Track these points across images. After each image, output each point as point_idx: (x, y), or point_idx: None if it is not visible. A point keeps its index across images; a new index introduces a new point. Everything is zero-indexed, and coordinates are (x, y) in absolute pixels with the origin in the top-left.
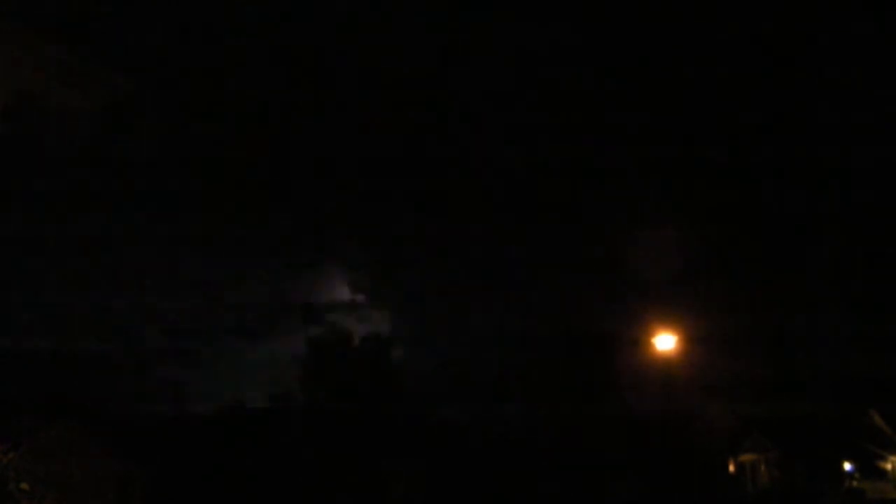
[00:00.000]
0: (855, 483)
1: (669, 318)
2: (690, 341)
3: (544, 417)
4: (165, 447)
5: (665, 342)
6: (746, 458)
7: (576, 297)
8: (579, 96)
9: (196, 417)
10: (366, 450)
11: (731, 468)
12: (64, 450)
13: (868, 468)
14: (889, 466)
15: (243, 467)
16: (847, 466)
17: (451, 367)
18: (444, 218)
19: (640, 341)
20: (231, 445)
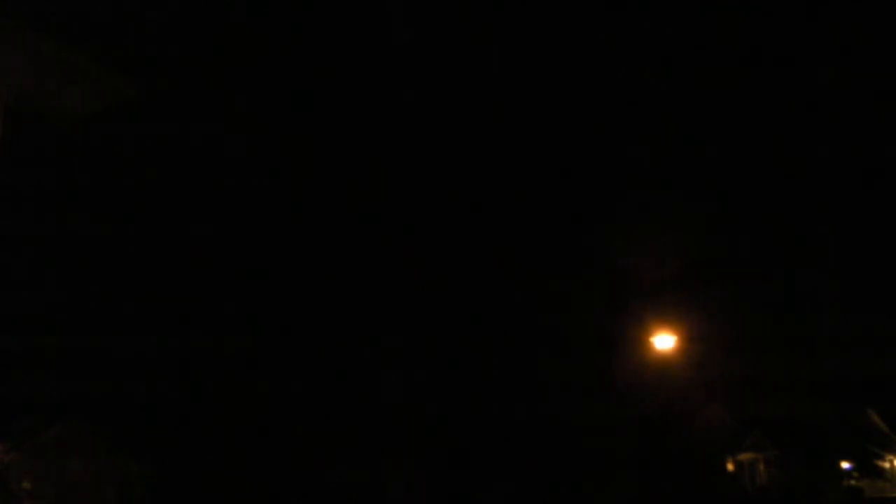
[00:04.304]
0: (853, 482)
1: (669, 318)
2: (690, 341)
3: (543, 417)
4: (165, 446)
5: (664, 342)
6: (745, 457)
7: (575, 297)
8: (579, 96)
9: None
10: (366, 449)
11: (731, 467)
12: (65, 449)
13: (866, 467)
14: (887, 465)
15: (243, 466)
16: (845, 465)
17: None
18: (442, 222)
19: (639, 341)
20: None
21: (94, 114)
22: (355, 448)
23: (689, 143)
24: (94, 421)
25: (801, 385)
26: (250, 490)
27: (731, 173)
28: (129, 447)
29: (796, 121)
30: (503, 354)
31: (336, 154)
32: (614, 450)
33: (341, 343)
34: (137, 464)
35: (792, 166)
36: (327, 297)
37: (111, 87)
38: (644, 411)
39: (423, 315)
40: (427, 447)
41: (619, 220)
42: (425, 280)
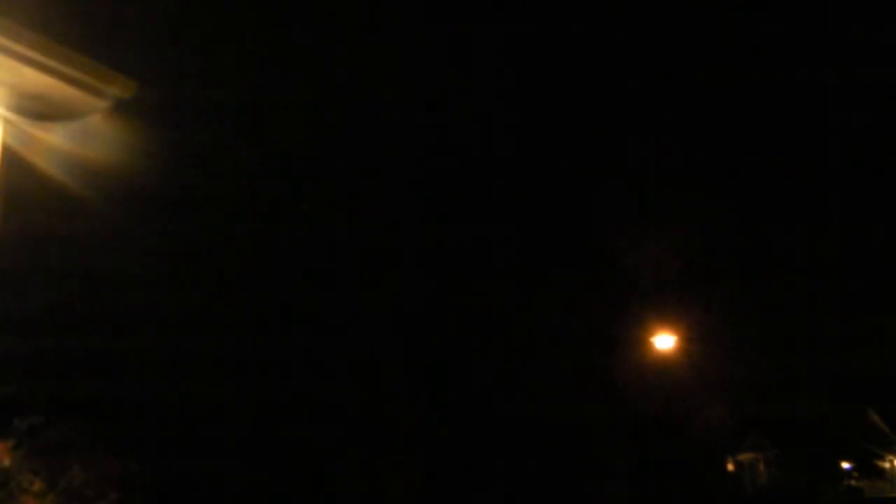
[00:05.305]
0: (853, 482)
1: (669, 318)
2: (690, 341)
3: (542, 417)
4: (166, 446)
5: (665, 342)
6: (746, 457)
7: (575, 297)
8: (578, 94)
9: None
10: (365, 448)
11: (731, 467)
12: (66, 449)
13: (866, 467)
14: (887, 465)
15: (244, 465)
16: (845, 465)
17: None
18: (442, 221)
19: (639, 341)
20: None
21: (94, 114)
22: (355, 448)
23: (690, 143)
24: (94, 421)
25: (801, 385)
26: (251, 490)
27: (732, 173)
28: (129, 447)
29: (797, 120)
30: (502, 354)
31: (336, 153)
32: (614, 450)
33: (341, 342)
34: (138, 464)
35: (793, 165)
36: (327, 295)
37: (111, 87)
38: (644, 411)
39: (422, 314)
40: (427, 447)
41: (619, 219)
42: (425, 279)
